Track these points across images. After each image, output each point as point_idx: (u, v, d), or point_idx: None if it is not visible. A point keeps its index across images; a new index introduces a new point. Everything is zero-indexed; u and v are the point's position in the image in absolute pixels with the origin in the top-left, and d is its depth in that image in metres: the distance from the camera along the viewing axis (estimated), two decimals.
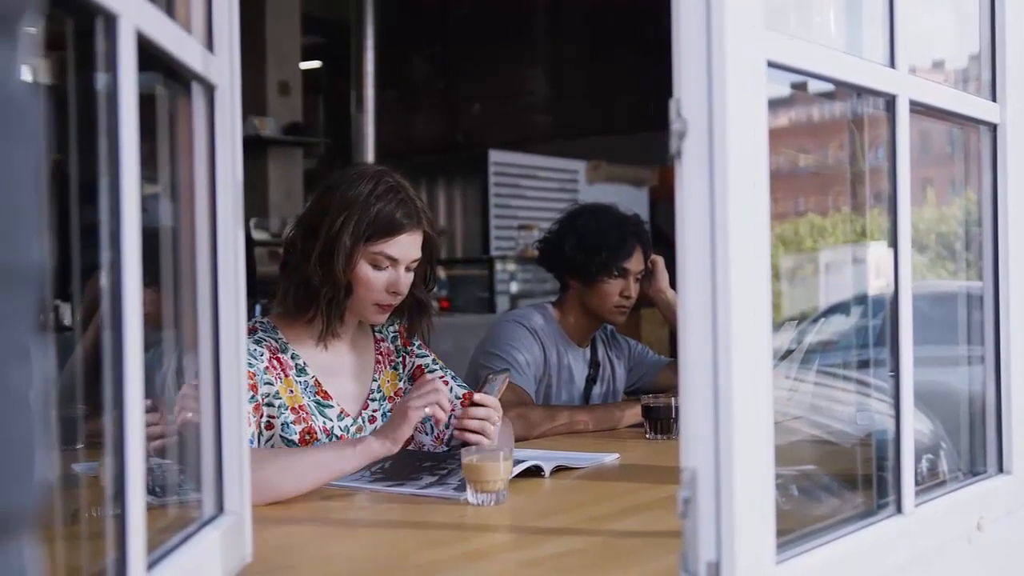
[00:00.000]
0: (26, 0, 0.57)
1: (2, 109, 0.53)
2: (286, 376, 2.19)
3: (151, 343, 1.10)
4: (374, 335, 2.39)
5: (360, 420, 2.28)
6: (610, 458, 2.36)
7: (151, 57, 1.09)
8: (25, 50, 0.57)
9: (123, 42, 0.99)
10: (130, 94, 1.00)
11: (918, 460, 1.73)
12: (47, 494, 0.61)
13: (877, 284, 1.96)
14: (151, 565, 1.07)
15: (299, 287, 2.20)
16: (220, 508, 1.35)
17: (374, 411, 2.31)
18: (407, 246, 2.21)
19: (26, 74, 0.58)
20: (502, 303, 7.40)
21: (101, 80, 0.99)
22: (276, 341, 2.22)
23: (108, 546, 1.02)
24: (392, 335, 2.42)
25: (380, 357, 2.37)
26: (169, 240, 1.32)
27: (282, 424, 2.14)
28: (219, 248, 1.34)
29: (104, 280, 0.99)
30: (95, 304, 1.04)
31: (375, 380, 2.34)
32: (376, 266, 2.19)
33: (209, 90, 1.32)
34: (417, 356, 2.42)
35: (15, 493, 0.58)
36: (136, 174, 1.00)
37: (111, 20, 0.98)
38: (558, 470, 2.19)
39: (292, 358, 2.22)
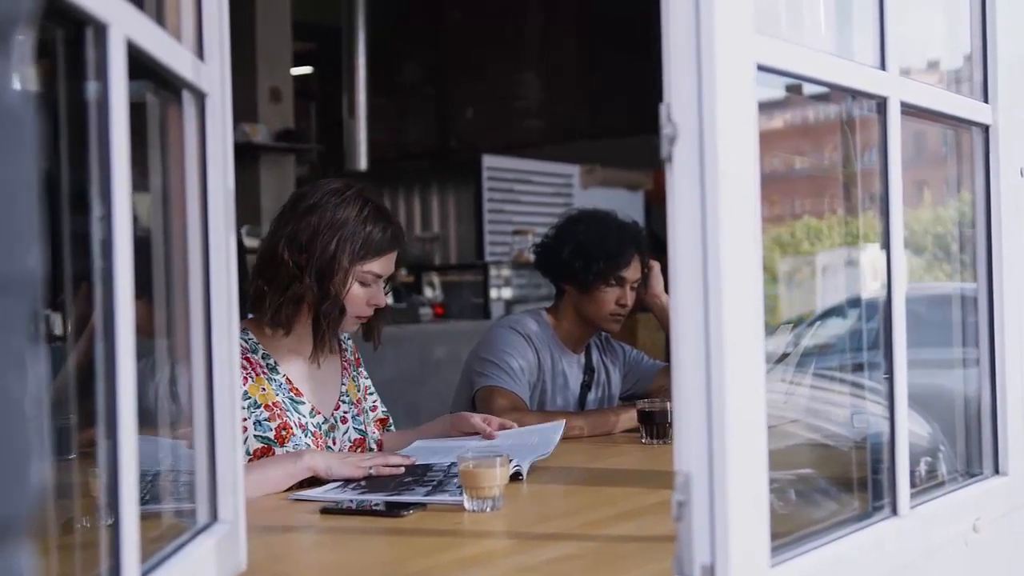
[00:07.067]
0: (20, 10, 0.57)
1: None
2: (257, 375, 2.25)
3: (142, 353, 1.10)
4: (339, 343, 2.47)
5: (333, 419, 2.37)
6: (554, 426, 2.43)
7: (140, 65, 1.09)
8: (19, 59, 0.57)
9: (113, 51, 0.99)
10: (120, 102, 1.00)
11: (916, 463, 1.73)
12: (43, 501, 0.61)
13: (873, 287, 1.96)
14: (145, 574, 1.06)
15: (291, 303, 2.26)
16: (214, 516, 1.34)
17: (344, 412, 2.40)
18: (390, 263, 2.34)
19: (19, 83, 0.58)
20: (497, 309, 7.38)
21: (91, 88, 0.99)
22: (246, 342, 2.28)
23: (101, 555, 1.02)
24: (349, 348, 2.52)
25: (346, 364, 2.47)
26: (160, 249, 1.31)
27: (255, 423, 2.20)
28: (211, 257, 1.33)
29: (96, 289, 0.99)
30: (87, 314, 1.04)
31: (343, 384, 2.44)
32: (363, 283, 2.29)
33: (200, 98, 1.32)
34: (364, 377, 2.55)
35: (12, 500, 0.58)
36: (127, 183, 1.00)
37: (101, 29, 0.97)
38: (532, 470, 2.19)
39: (263, 358, 2.29)
